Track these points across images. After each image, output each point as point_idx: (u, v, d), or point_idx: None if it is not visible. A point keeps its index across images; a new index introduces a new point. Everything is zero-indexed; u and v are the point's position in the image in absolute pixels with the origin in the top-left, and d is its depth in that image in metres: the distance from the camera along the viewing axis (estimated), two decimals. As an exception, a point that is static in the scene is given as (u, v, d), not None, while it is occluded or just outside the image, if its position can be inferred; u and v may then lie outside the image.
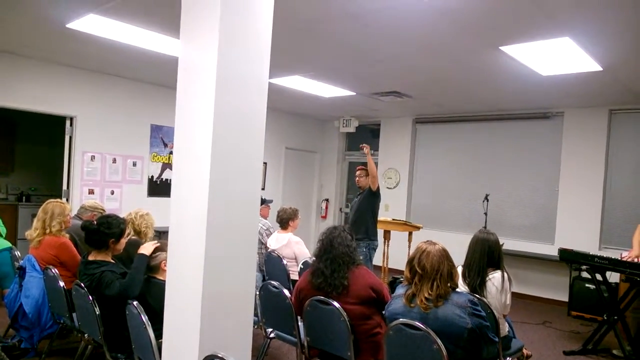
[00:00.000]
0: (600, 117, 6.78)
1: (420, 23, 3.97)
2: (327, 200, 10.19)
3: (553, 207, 7.16)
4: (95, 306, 2.96)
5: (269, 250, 4.90)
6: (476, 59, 4.89)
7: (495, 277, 3.12)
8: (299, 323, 3.16)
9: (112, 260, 3.31)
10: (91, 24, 4.47)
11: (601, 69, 4.87)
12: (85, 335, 3.30)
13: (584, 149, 6.89)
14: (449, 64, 5.19)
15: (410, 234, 6.57)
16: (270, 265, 4.80)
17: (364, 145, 5.74)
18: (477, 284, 3.11)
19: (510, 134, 7.67)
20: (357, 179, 5.84)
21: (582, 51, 4.39)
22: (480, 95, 6.68)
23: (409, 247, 6.49)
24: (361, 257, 3.23)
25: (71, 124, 6.47)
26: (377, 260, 6.21)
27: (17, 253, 4.32)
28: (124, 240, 3.39)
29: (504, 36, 4.19)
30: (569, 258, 5.03)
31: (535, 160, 7.40)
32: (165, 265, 3.13)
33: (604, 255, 4.70)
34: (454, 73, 5.55)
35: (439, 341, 2.31)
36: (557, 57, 4.63)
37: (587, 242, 6.58)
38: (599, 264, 4.65)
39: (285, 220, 5.05)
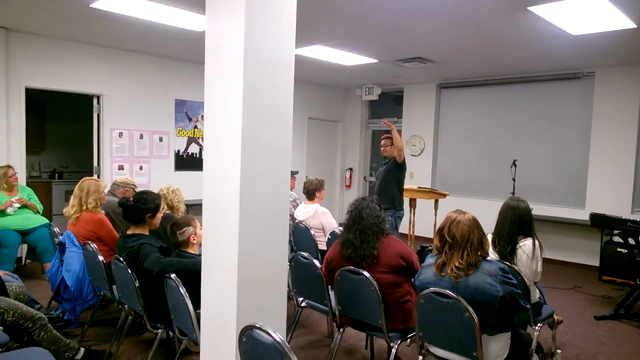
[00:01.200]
0: (634, 75, 6.54)
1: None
2: (351, 169, 10.19)
3: (584, 171, 7.02)
4: (135, 279, 3.06)
5: (296, 221, 4.97)
6: (503, 20, 4.75)
7: (526, 245, 3.11)
8: (330, 292, 3.23)
9: (148, 235, 3.42)
10: (114, 3, 4.50)
11: (635, 25, 4.69)
12: (126, 306, 3.44)
13: (617, 109, 6.68)
14: (474, 29, 5.05)
15: (436, 201, 6.56)
16: (298, 236, 4.88)
17: (384, 121, 5.72)
18: (508, 252, 3.11)
19: (538, 96, 7.49)
20: (382, 148, 5.82)
21: (615, 8, 4.23)
22: (507, 58, 6.51)
23: (436, 215, 6.48)
24: (387, 226, 3.25)
25: (98, 102, 6.58)
26: (404, 228, 6.24)
27: (56, 229, 4.47)
28: (159, 215, 3.49)
29: (532, -4, 4.06)
30: (601, 223, 4.98)
31: (565, 122, 7.23)
32: (194, 239, 3.23)
33: (637, 220, 4.63)
34: (479, 37, 5.41)
35: (470, 309, 2.34)
36: (588, 15, 4.47)
37: (619, 206, 6.49)
38: (632, 228, 4.60)
39: (311, 192, 5.09)
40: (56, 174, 8.35)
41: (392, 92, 9.42)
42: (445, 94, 8.68)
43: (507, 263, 3.01)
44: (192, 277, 2.91)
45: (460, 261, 2.48)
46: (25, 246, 5.63)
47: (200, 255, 2.79)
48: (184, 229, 3.25)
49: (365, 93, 9.26)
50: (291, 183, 5.99)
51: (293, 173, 5.98)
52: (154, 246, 3.22)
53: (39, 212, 5.45)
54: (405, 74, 7.84)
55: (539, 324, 3.21)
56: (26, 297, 3.60)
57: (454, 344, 2.51)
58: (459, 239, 2.50)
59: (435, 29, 5.16)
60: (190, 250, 3.25)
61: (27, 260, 5.98)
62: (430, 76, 8.12)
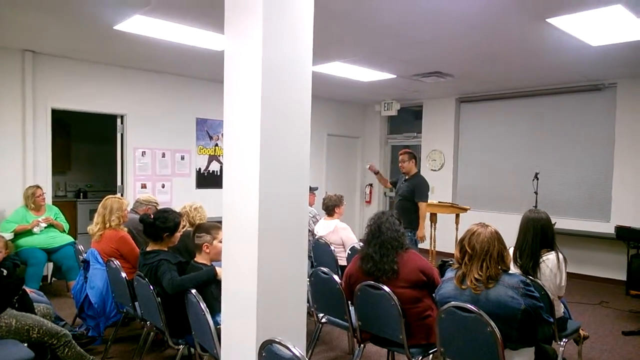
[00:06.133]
0: (657, 86, 6.44)
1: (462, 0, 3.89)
2: (371, 185, 10.17)
3: (608, 183, 6.89)
4: (157, 296, 3.09)
5: (316, 237, 4.97)
6: (522, 33, 4.74)
7: (549, 259, 3.05)
8: (350, 308, 3.21)
9: (167, 250, 3.45)
10: (137, 25, 4.63)
11: (657, 35, 4.64)
12: (148, 322, 3.47)
13: (640, 120, 6.58)
14: (493, 41, 5.05)
15: (457, 216, 6.50)
16: (318, 251, 4.88)
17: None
18: (530, 267, 3.05)
19: (559, 108, 7.40)
20: (400, 164, 5.81)
21: (636, 18, 4.17)
22: (527, 71, 6.47)
23: (457, 229, 6.42)
24: (407, 241, 3.23)
25: (122, 122, 6.73)
26: (425, 243, 6.18)
27: (81, 247, 4.55)
28: (178, 234, 3.53)
29: (550, 8, 4.03)
30: (627, 236, 4.88)
31: (588, 134, 7.12)
32: (207, 249, 3.22)
33: (665, 232, 4.53)
34: (499, 50, 5.40)
35: (492, 323, 2.31)
36: (608, 26, 4.43)
37: (646, 218, 6.32)
38: (659, 241, 4.49)
39: (331, 207, 5.10)
40: (81, 194, 8.51)
41: (411, 107, 9.41)
42: (465, 108, 8.65)
43: (530, 277, 2.95)
44: (206, 288, 2.94)
45: (480, 273, 2.46)
46: (51, 264, 5.72)
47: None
48: (202, 234, 3.25)
49: (384, 109, 9.26)
50: (311, 199, 6.03)
51: (313, 189, 6.02)
52: (172, 262, 3.24)
53: (64, 231, 5.56)
54: (424, 88, 7.84)
55: (564, 339, 3.13)
56: (52, 316, 3.64)
57: (477, 359, 2.47)
58: (478, 249, 2.48)
59: (452, 43, 5.17)
60: (201, 260, 3.23)
61: (53, 279, 6.07)
62: (450, 91, 8.11)
